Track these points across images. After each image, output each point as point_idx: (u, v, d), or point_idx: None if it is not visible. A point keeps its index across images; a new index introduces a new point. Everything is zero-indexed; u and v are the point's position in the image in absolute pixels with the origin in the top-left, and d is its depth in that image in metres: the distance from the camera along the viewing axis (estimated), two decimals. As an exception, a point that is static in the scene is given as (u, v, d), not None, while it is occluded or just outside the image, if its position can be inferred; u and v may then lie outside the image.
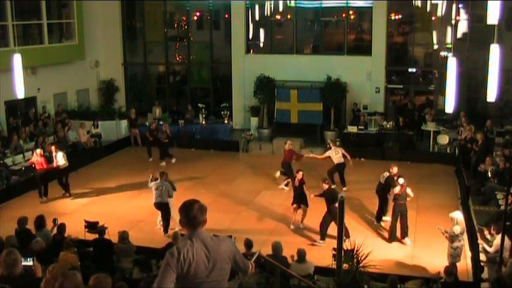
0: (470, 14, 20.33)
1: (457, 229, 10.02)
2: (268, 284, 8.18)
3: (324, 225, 11.84)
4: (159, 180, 12.44)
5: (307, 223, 12.76)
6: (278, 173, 15.82)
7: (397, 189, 11.84)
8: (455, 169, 16.92)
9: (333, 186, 12.73)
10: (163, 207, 12.43)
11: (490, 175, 14.34)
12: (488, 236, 10.74)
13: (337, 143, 19.23)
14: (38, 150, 14.98)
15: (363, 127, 19.44)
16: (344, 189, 14.94)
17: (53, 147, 15.39)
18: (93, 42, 22.14)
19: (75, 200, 14.98)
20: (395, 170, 12.58)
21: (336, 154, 15.16)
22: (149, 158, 18.55)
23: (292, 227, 12.86)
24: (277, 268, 6.88)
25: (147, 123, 20.38)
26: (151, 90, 24.87)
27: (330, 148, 15.47)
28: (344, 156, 15.14)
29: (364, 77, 20.83)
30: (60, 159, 14.98)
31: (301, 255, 9.38)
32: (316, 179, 13.62)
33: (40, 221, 10.29)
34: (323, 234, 11.88)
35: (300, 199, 12.85)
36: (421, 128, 19.53)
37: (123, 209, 14.18)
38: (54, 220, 10.66)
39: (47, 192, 14.95)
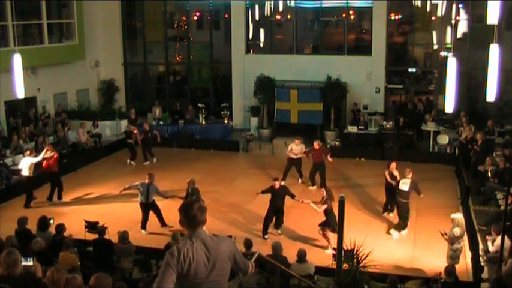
0: (470, 14, 20.34)
1: (457, 231, 10.00)
2: (268, 284, 8.16)
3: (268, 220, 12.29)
4: (147, 182, 12.57)
5: (308, 223, 12.71)
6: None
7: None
8: (455, 169, 16.91)
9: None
10: (151, 205, 12.76)
11: (490, 175, 14.34)
12: (490, 239, 10.72)
13: (337, 143, 19.35)
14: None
15: (363, 127, 19.43)
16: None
17: (28, 151, 14.65)
18: (93, 42, 22.15)
19: (75, 200, 14.97)
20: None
21: (296, 145, 15.75)
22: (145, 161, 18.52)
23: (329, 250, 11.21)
24: (277, 268, 6.88)
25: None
26: (151, 90, 24.87)
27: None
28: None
29: (364, 77, 20.83)
30: (25, 166, 14.05)
31: (301, 255, 9.37)
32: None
33: (43, 222, 10.31)
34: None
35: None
36: (421, 128, 19.53)
37: (123, 209, 14.16)
38: (49, 219, 10.64)
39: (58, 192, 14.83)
